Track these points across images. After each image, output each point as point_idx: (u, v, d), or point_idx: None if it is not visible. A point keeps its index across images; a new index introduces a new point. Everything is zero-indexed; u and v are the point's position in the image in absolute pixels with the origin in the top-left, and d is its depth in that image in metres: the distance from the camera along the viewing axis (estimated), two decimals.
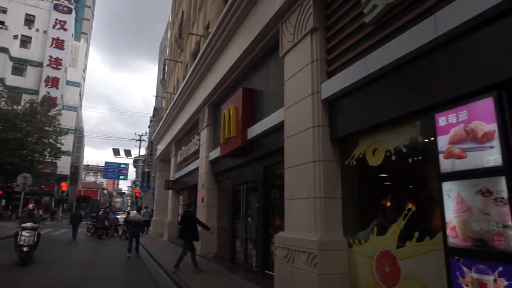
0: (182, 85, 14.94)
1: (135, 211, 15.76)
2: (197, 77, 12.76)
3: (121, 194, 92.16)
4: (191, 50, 17.21)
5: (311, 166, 5.51)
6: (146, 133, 38.85)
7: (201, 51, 11.81)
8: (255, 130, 8.36)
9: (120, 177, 44.86)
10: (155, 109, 38.08)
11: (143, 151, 43.66)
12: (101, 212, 21.10)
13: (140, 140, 43.77)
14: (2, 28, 41.36)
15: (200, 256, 11.08)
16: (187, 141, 16.12)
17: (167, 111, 19.39)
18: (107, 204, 77.18)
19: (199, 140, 13.60)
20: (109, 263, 10.34)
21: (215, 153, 11.33)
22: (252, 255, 8.53)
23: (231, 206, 10.17)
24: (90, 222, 20.26)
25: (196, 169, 13.55)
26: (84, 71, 65.76)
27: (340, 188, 5.47)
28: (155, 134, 25.20)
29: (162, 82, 28.99)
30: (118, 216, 22.84)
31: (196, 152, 14.00)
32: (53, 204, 43.34)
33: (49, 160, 34.70)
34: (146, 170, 28.57)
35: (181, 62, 20.15)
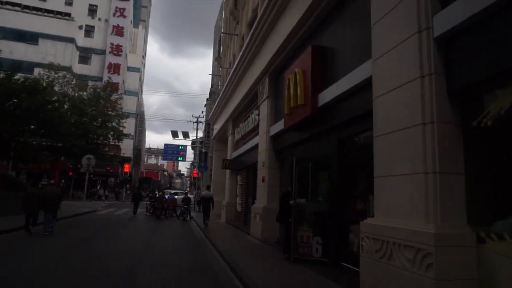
0: (239, 56, 13.79)
1: (206, 189, 16.94)
2: (256, 43, 11.49)
3: (180, 175, 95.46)
4: (248, 20, 15.94)
5: (418, 131, 4.01)
6: (202, 114, 38.73)
7: (261, 11, 10.47)
8: (327, 95, 6.93)
9: (179, 158, 45.61)
10: (211, 90, 37.74)
11: (200, 133, 43.95)
12: (159, 193, 21.04)
13: (197, 122, 43.96)
14: (68, 20, 43.49)
15: (260, 241, 10.06)
16: (245, 118, 15.06)
17: (223, 88, 18.47)
18: (167, 185, 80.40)
19: (258, 115, 12.44)
20: (163, 246, 9.69)
21: (277, 128, 10.09)
22: (313, 243, 7.21)
23: (295, 186, 8.89)
24: (148, 202, 20.30)
25: (255, 146, 12.45)
26: (143, 57, 67.84)
27: (462, 160, 3.93)
28: (211, 113, 24.61)
29: (218, 59, 28.18)
30: (176, 196, 22.73)
31: (255, 128, 12.87)
32: (117, 185, 45.60)
33: (113, 143, 36.08)
34: (203, 150, 28.24)
35: (237, 35, 19.01)
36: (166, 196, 20.64)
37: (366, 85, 5.63)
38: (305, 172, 7.83)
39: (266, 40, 10.75)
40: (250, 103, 14.29)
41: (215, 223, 16.64)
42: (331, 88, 6.78)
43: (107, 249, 8.77)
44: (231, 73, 15.89)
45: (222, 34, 24.97)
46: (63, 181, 35.13)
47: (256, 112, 12.72)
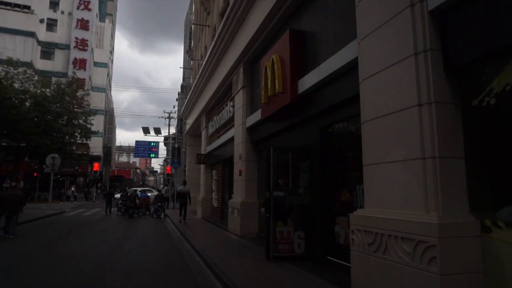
0: (211, 46, 13.19)
1: (182, 185, 16.49)
2: (229, 31, 10.95)
3: (153, 172, 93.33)
4: (219, 9, 15.35)
5: (414, 113, 3.67)
6: (174, 109, 37.76)
7: None
8: (308, 81, 6.54)
9: (151, 155, 44.41)
10: (182, 85, 36.74)
11: (173, 130, 42.91)
12: (130, 190, 20.19)
13: (169, 118, 42.92)
14: (28, 13, 40.99)
15: (239, 237, 9.63)
16: (219, 110, 14.51)
17: (195, 81, 17.79)
18: (140, 183, 78.39)
19: (233, 106, 11.93)
20: (135, 247, 9.06)
21: (254, 118, 9.64)
22: (294, 238, 6.80)
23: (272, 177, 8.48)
24: (120, 202, 19.41)
25: (231, 139, 11.96)
26: (111, 52, 65.37)
27: (462, 143, 3.62)
28: (183, 108, 23.84)
29: (189, 52, 27.33)
30: (149, 194, 21.91)
31: (230, 121, 12.37)
32: (87, 185, 43.82)
33: (80, 142, 34.44)
34: (176, 146, 27.39)
35: (208, 25, 18.36)
36: (139, 194, 19.80)
37: (351, 68, 5.28)
38: (284, 163, 7.44)
39: (241, 27, 10.24)
40: (224, 94, 13.75)
41: (191, 219, 16.02)
42: (312, 73, 6.38)
43: (72, 254, 8.05)
44: (203, 65, 15.26)
45: (192, 26, 24.18)
46: (22, 183, 33.02)
47: (231, 103, 12.21)
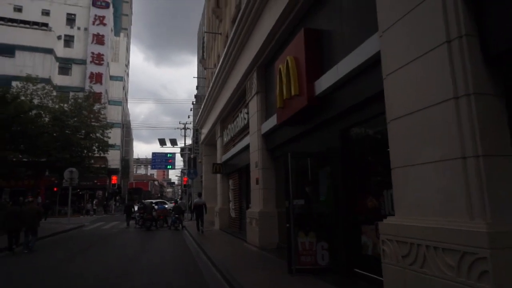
0: (224, 53, 12.99)
1: (198, 197, 16.73)
2: (241, 36, 10.71)
3: (171, 184, 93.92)
4: (231, 16, 15.18)
5: (449, 107, 3.27)
6: (189, 120, 37.84)
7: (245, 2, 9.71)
8: (325, 82, 6.17)
9: (168, 166, 44.52)
10: (196, 95, 36.83)
11: (189, 140, 42.98)
12: (146, 202, 20.08)
13: (185, 128, 43.15)
14: (46, 30, 42.15)
15: (259, 249, 9.23)
16: (233, 118, 14.24)
17: (209, 89, 17.63)
18: (158, 195, 78.84)
19: (247, 113, 11.63)
20: (152, 261, 8.78)
21: (269, 124, 9.30)
22: (317, 249, 6.36)
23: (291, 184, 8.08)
24: (137, 214, 19.28)
25: (247, 147, 11.64)
26: (126, 65, 66.59)
27: (509, 138, 3.19)
28: (198, 117, 23.72)
29: (202, 62, 27.34)
30: (166, 206, 21.76)
31: (245, 128, 12.07)
32: (106, 198, 44.21)
33: (98, 155, 34.77)
34: (192, 156, 27.26)
35: (220, 33, 18.24)
36: (156, 206, 19.65)
37: (371, 64, 4.91)
38: (303, 170, 7.06)
39: (253, 30, 9.98)
40: (238, 101, 13.49)
41: (209, 231, 15.74)
42: (329, 73, 6.02)
43: (89, 268, 7.83)
44: (216, 72, 15.07)
45: (205, 36, 24.18)
46: (39, 198, 33.29)
47: (245, 110, 11.92)
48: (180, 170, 57.00)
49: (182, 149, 46.22)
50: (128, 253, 9.97)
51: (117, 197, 48.44)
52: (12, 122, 16.29)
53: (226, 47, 12.44)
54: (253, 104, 10.60)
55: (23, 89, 28.73)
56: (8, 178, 19.90)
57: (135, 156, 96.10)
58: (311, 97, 6.47)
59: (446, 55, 3.31)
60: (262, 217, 9.49)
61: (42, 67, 39.76)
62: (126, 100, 68.65)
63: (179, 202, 21.21)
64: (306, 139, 7.54)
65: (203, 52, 25.96)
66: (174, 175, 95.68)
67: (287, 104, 7.45)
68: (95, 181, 41.07)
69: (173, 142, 41.83)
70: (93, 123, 33.45)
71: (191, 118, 40.43)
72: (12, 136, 17.59)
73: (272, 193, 9.74)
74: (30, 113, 19.48)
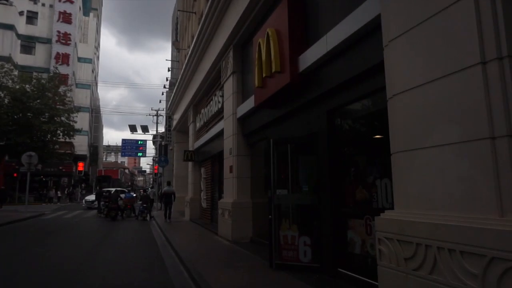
0: (197, 31, 11.99)
1: (167, 185, 16.72)
2: (216, 11, 9.78)
3: (142, 172, 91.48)
4: None
5: (474, 75, 2.60)
6: (162, 106, 36.43)
7: None
8: (311, 56, 5.43)
9: (138, 154, 42.79)
10: (171, 81, 35.36)
11: (162, 129, 41.52)
12: (113, 190, 18.93)
13: (157, 115, 41.68)
14: (6, 4, 39.08)
15: (231, 243, 8.51)
16: (207, 101, 13.33)
17: (182, 71, 16.57)
18: (129, 183, 76.60)
19: (222, 96, 10.78)
20: (111, 256, 7.87)
21: (246, 107, 8.51)
22: (299, 244, 5.72)
23: (274, 174, 7.36)
24: (102, 203, 18.09)
25: (220, 133, 10.82)
26: (96, 48, 63.58)
27: None
28: (170, 102, 22.57)
29: (175, 44, 26.02)
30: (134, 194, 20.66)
31: (220, 112, 11.22)
32: (73, 185, 42.20)
33: (63, 140, 32.81)
34: (163, 143, 26.07)
35: (195, 12, 17.14)
36: (122, 195, 18.52)
37: (369, 32, 4.20)
38: (283, 157, 6.34)
39: (229, 4, 9.08)
40: (212, 84, 12.59)
41: (178, 222, 14.87)
42: (316, 46, 5.28)
43: (34, 266, 6.81)
44: (189, 53, 14.05)
45: (178, 16, 22.88)
46: None
47: (220, 93, 11.06)
48: (152, 158, 55.34)
49: (154, 136, 44.70)
50: (85, 247, 8.97)
51: (83, 185, 46.35)
52: None
53: (200, 24, 11.46)
54: (229, 86, 9.75)
55: None
56: None
57: (105, 143, 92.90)
58: (294, 73, 5.72)
59: (472, 6, 2.63)
60: (236, 208, 8.75)
61: (1, 44, 36.94)
62: (96, 84, 65.76)
63: (149, 191, 20.12)
64: (287, 122, 6.80)
65: (176, 33, 24.65)
66: (145, 163, 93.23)
67: (266, 83, 6.68)
68: (60, 168, 39.11)
69: (145, 129, 40.25)
70: (58, 106, 31.45)
71: (164, 104, 38.93)
72: None
73: (247, 182, 9.01)
74: None
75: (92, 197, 25.66)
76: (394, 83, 3.42)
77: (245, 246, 8.01)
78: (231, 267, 6.08)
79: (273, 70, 6.10)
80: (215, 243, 8.89)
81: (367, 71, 4.27)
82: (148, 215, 17.21)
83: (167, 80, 26.93)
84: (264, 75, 6.51)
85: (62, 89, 32.53)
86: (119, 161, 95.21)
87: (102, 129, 77.02)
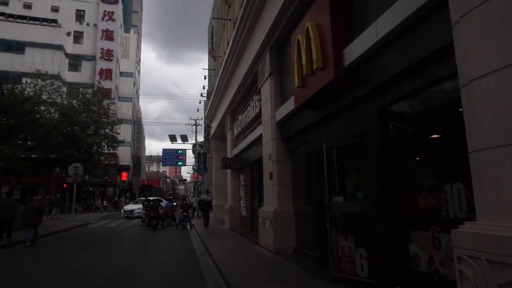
0: (233, 35, 11.74)
1: (205, 194, 17.62)
2: (252, 13, 9.45)
3: (183, 181, 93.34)
4: (240, 0, 13.92)
5: None
6: (200, 116, 36.83)
7: None
8: (357, 48, 4.87)
9: (179, 163, 43.68)
10: (208, 91, 35.73)
11: (201, 138, 42.09)
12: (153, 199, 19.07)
13: (195, 125, 42.32)
14: (55, 26, 41.60)
15: (273, 253, 8.01)
16: (244, 107, 13.01)
17: (218, 78, 16.43)
18: (170, 192, 78.34)
19: (259, 100, 10.38)
20: (149, 267, 7.63)
21: (285, 109, 8.03)
22: (356, 257, 5.11)
23: (314, 181, 6.81)
24: (143, 212, 18.24)
25: (259, 138, 10.40)
26: (137, 62, 66.13)
27: None
28: (207, 111, 22.59)
29: (211, 52, 26.16)
30: (174, 203, 20.71)
31: (258, 117, 10.82)
32: (119, 195, 43.64)
33: (108, 151, 34.02)
34: (202, 151, 26.15)
35: (229, 19, 16.99)
36: (163, 204, 18.60)
37: (430, 11, 3.59)
38: (328, 162, 5.79)
39: (264, 5, 8.71)
40: (249, 89, 12.25)
41: (218, 230, 14.59)
42: (363, 36, 4.71)
43: (70, 278, 6.69)
44: (225, 59, 13.85)
45: (213, 24, 22.96)
46: (39, 194, 32.82)
47: (257, 97, 10.67)
48: (192, 167, 56.21)
49: (194, 145, 45.35)
50: (123, 257, 8.85)
51: (127, 194, 47.81)
52: (7, 112, 15.35)
53: (236, 27, 11.19)
54: (266, 89, 9.33)
55: (31, 84, 28.20)
56: (7, 173, 19.33)
57: (147, 153, 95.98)
58: (339, 68, 5.17)
59: None
60: (277, 217, 8.24)
61: (51, 63, 39.25)
62: (138, 97, 68.26)
63: (189, 199, 20.13)
64: (330, 124, 6.23)
65: (212, 42, 24.76)
66: (186, 172, 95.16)
67: (307, 82, 6.17)
68: (106, 178, 40.54)
69: (184, 138, 40.88)
70: (102, 119, 32.72)
71: (202, 113, 39.38)
72: (8, 128, 16.69)
73: (288, 189, 8.49)
74: (24, 104, 18.58)
75: (131, 207, 26.42)
76: (471, 67, 2.80)
77: (289, 258, 7.47)
78: (277, 282, 5.57)
79: (315, 67, 5.59)
80: (256, 253, 8.42)
81: (428, 57, 3.66)
82: (188, 223, 17.11)
83: (204, 88, 26.96)
84: (304, 73, 6.02)
85: (105, 102, 33.89)
86: (160, 171, 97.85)
87: (144, 140, 79.70)
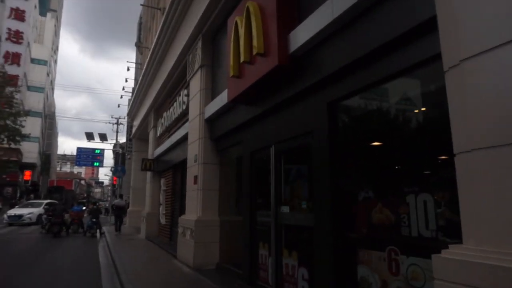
0: (161, 24, 10.48)
1: (119, 198, 16.96)
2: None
3: (99, 183, 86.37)
4: None
5: None
6: (123, 114, 34.15)
7: None
8: (306, 32, 4.12)
9: (95, 163, 39.79)
10: (133, 89, 33.23)
11: (124, 139, 38.93)
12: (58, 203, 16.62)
13: (117, 124, 39.18)
14: None
15: (193, 270, 6.94)
16: (171, 103, 11.75)
17: (143, 71, 14.87)
18: (85, 195, 71.75)
19: (187, 95, 9.29)
20: None
21: (216, 105, 7.08)
22: (298, 279, 4.35)
23: (247, 187, 5.95)
24: (45, 216, 15.71)
25: (185, 137, 9.29)
26: (54, 51, 59.87)
27: None
28: (129, 107, 20.65)
29: (138, 46, 24.18)
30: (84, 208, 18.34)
31: (184, 115, 9.70)
32: (21, 196, 38.30)
33: (7, 146, 29.53)
34: (120, 151, 23.87)
35: (160, 9, 15.60)
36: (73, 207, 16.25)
37: None
38: (262, 167, 4.99)
39: None
40: (177, 82, 11.06)
41: (132, 239, 12.96)
42: (314, 17, 3.99)
43: None
44: (151, 49, 12.46)
45: (142, 14, 21.20)
46: None
47: (185, 92, 9.56)
48: (110, 168, 52.00)
49: (114, 145, 41.93)
50: (2, 273, 7.02)
51: (32, 196, 42.30)
52: None
53: (165, 13, 9.98)
54: (196, 82, 8.30)
55: None
56: None
57: (60, 151, 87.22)
58: (283, 55, 4.39)
59: None
60: (200, 227, 7.20)
61: None
62: (52, 89, 61.70)
63: (100, 204, 18.00)
64: (270, 120, 5.41)
65: (139, 34, 22.87)
66: (104, 174, 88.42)
67: (245, 71, 5.31)
68: (4, 176, 35.27)
69: (103, 137, 37.54)
70: (3, 109, 28.34)
71: (125, 112, 36.54)
72: None
73: (214, 196, 7.51)
74: None
75: (19, 211, 21.03)
76: (466, 41, 2.16)
77: (211, 275, 6.46)
78: None
79: (255, 52, 4.75)
80: (173, 270, 7.24)
81: (398, 39, 3.01)
82: (98, 231, 15.11)
83: (126, 81, 24.72)
84: (242, 60, 5.15)
85: (8, 90, 29.48)
86: (75, 171, 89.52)
87: (56, 137, 72.26)
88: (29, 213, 20.50)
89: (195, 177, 7.76)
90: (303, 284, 4.17)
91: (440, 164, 2.97)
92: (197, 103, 8.04)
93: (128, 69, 21.52)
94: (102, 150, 40.09)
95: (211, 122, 7.70)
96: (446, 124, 2.29)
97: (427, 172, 3.04)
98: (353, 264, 3.55)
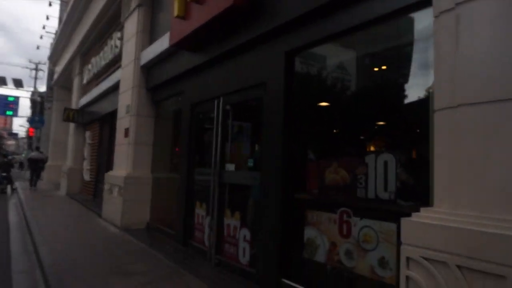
0: None
1: (36, 151, 15.63)
2: None
3: (13, 135, 77.89)
4: None
5: None
6: (44, 60, 30.55)
7: None
8: None
9: (8, 112, 35.41)
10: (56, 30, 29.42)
11: (44, 88, 34.83)
12: None
13: (36, 69, 34.99)
14: None
15: (120, 230, 6.41)
16: (101, 47, 10.44)
17: (68, 9, 12.95)
18: None
19: (120, 38, 8.23)
20: None
21: (155, 50, 6.30)
22: (239, 240, 4.10)
23: (187, 142, 5.44)
24: None
25: (116, 86, 8.32)
26: None
27: None
28: (51, 49, 18.24)
29: None
30: None
31: (117, 61, 8.64)
32: None
33: None
34: (39, 100, 21.35)
35: None
36: None
37: None
38: (204, 121, 4.55)
39: None
40: (109, 24, 9.78)
41: (50, 196, 11.79)
42: None
43: None
44: None
45: None
46: None
47: (118, 35, 8.46)
48: (26, 119, 46.88)
49: (33, 93, 37.57)
50: None
51: None
52: None
53: None
54: (132, 24, 7.31)
55: None
56: None
57: None
58: None
59: None
60: (130, 183, 6.59)
61: None
62: None
63: (12, 157, 16.25)
64: (217, 71, 4.88)
65: None
66: (19, 125, 79.81)
67: (192, 12, 4.66)
68: None
69: (18, 83, 33.28)
70: None
71: (47, 54, 32.57)
72: None
73: (148, 151, 6.90)
74: None
75: None
76: None
77: (140, 235, 5.99)
78: (125, 276, 4.04)
79: None
80: (98, 230, 6.60)
81: None
82: (9, 186, 13.52)
83: (47, 18, 21.76)
84: None
85: None
86: None
87: None
88: None
89: (126, 130, 7.01)
90: (244, 245, 3.93)
91: (401, 125, 2.81)
92: (132, 48, 7.12)
93: (50, 4, 18.74)
94: (17, 98, 35.75)
95: (147, 70, 6.90)
96: (412, 82, 2.06)
97: (390, 132, 2.87)
98: (301, 226, 3.36)
